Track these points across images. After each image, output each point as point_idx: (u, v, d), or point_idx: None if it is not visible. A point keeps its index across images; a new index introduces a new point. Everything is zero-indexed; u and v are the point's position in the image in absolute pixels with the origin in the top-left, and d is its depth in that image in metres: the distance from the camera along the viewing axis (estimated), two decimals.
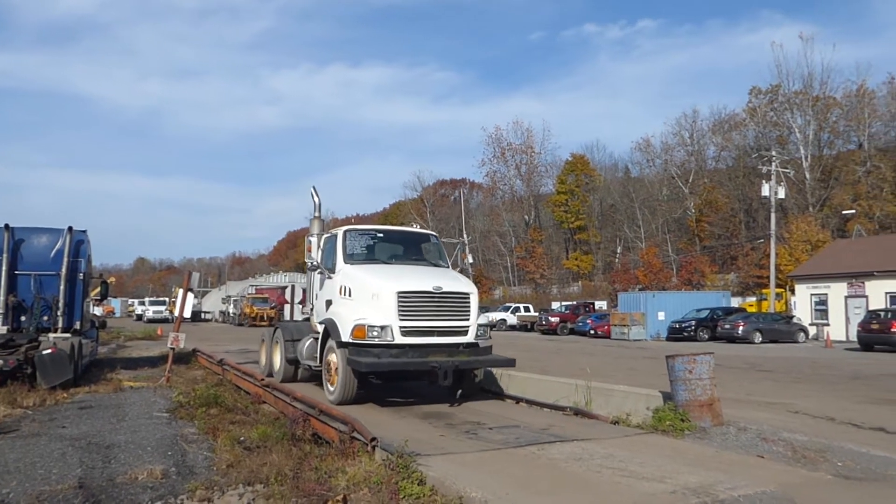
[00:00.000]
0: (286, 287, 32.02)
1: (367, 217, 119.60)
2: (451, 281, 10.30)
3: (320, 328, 10.83)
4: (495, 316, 49.70)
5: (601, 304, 54.93)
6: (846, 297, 37.63)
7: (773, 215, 43.78)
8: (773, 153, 46.22)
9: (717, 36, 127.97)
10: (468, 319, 10.16)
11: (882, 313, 29.58)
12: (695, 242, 67.94)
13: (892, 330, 27.44)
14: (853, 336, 31.76)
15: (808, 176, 59.74)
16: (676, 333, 36.00)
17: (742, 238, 62.84)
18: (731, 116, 70.45)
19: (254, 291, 58.09)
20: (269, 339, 13.73)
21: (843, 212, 54.32)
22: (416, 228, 12.78)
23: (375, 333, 9.59)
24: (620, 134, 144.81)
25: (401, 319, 9.69)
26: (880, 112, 62.04)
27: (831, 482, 6.12)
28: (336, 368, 10.02)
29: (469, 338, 10.18)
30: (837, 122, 63.69)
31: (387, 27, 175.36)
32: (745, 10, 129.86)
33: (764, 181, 44.01)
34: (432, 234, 12.44)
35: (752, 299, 48.13)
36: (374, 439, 6.80)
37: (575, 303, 54.59)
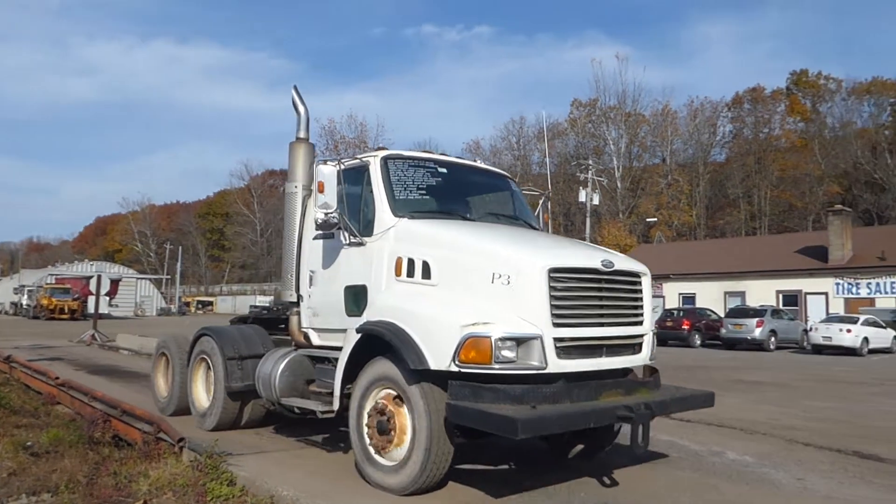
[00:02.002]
0: (92, 277, 29.37)
1: (189, 205, 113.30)
2: (611, 255, 5.96)
3: (341, 341, 6.01)
4: None
5: None
6: None
7: (588, 220, 47.04)
8: (591, 162, 49.77)
9: (546, 49, 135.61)
10: (643, 323, 5.89)
11: (675, 312, 33.04)
12: None
13: (684, 327, 30.65)
14: None
15: (619, 185, 65.09)
16: None
17: None
18: (555, 125, 75.09)
19: (53, 281, 52.76)
20: (180, 355, 8.51)
21: (648, 219, 59.86)
22: (482, 164, 7.90)
23: (509, 354, 4.97)
24: (453, 134, 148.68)
25: (556, 325, 5.18)
26: (681, 131, 69.29)
27: None
28: (407, 425, 5.31)
29: (644, 356, 5.93)
30: (646, 137, 70.20)
31: (218, 7, 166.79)
32: (573, 28, 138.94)
33: (581, 188, 47.18)
34: (509, 177, 7.98)
35: None
36: (181, 440, 6.42)
37: None
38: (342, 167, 6.32)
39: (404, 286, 5.81)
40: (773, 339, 28.16)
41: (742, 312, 29.99)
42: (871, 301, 34.13)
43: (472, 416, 4.95)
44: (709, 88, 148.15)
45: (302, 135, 7.63)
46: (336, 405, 5.89)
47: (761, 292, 36.08)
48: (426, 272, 5.69)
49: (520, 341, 4.99)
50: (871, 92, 65.71)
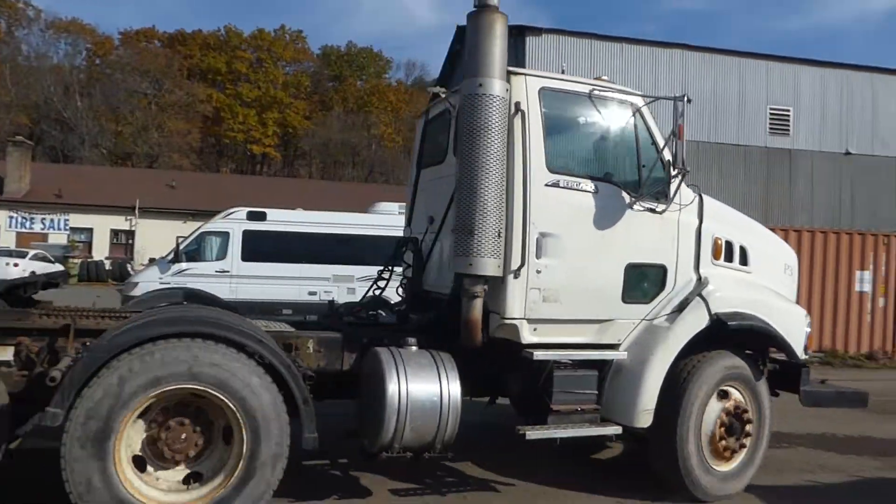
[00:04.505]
0: None
1: None
2: None
3: (576, 336, 5.06)
4: None
5: None
6: None
7: None
8: None
9: None
10: None
11: None
12: None
13: None
14: None
15: None
16: None
17: None
18: None
19: None
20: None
21: None
22: None
23: None
24: None
25: None
26: None
27: None
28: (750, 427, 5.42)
29: None
30: None
31: None
32: None
33: None
34: None
35: None
36: None
37: None
38: (588, 91, 5.06)
39: (724, 272, 5.43)
40: None
41: None
42: (45, 237, 34.61)
43: (829, 397, 5.83)
44: None
45: (494, 0, 4.78)
46: (649, 419, 4.94)
47: None
48: (744, 258, 5.62)
49: None
50: (69, 31, 63.68)
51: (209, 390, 3.93)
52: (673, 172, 4.90)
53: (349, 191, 43.79)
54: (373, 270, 15.17)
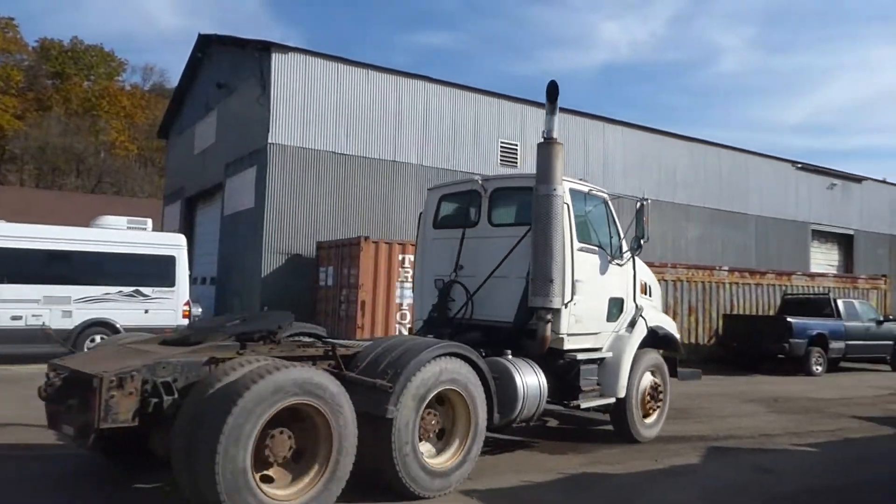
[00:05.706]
0: None
1: None
2: None
3: (586, 343, 7.79)
4: None
5: None
6: None
7: None
8: None
9: None
10: None
11: None
12: None
13: None
14: None
15: None
16: None
17: None
18: None
19: None
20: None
21: None
22: None
23: None
24: None
25: None
26: None
27: None
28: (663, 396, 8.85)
29: None
30: None
31: None
32: None
33: None
34: None
35: None
36: None
37: None
38: (586, 192, 7.95)
39: (646, 301, 8.69)
40: None
41: None
42: None
43: (688, 375, 9.37)
44: None
45: (556, 135, 7.53)
46: (624, 392, 7.90)
47: None
48: (650, 293, 9.00)
49: None
50: None
51: (458, 390, 6.05)
52: (640, 243, 8.06)
53: (71, 202, 39.50)
54: (93, 291, 14.13)
